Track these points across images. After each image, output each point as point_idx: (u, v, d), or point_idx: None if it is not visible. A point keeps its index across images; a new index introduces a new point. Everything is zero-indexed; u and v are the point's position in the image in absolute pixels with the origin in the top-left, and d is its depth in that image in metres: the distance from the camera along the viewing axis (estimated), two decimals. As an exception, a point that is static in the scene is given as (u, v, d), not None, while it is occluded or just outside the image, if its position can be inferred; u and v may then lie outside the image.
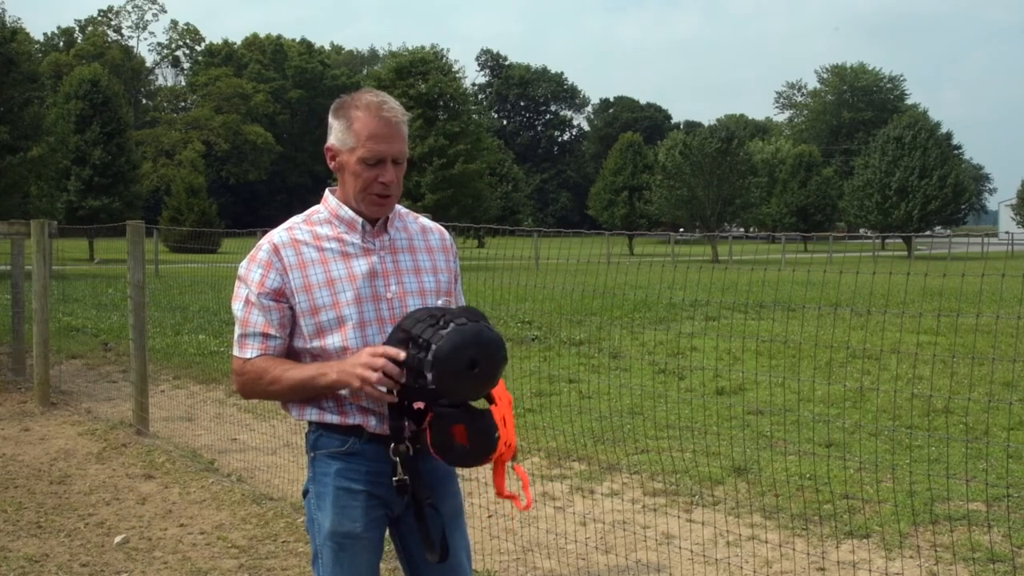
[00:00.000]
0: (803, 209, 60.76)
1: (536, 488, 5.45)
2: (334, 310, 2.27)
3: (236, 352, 2.37)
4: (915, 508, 4.90)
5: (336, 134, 2.31)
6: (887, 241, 55.31)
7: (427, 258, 2.41)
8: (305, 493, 2.42)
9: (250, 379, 2.36)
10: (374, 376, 2.09)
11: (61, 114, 35.83)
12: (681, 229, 48.18)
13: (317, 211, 2.39)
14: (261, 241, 2.35)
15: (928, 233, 50.79)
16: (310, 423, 2.39)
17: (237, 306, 2.36)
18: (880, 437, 6.49)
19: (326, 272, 2.28)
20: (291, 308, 2.30)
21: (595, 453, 6.04)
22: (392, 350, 2.10)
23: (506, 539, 4.63)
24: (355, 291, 2.28)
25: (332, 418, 2.32)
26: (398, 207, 2.42)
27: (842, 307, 11.82)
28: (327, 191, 2.42)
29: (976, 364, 8.88)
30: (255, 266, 2.32)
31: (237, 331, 2.37)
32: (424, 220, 2.53)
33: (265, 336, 2.32)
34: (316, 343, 2.29)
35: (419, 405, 2.19)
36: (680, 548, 4.49)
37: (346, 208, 2.34)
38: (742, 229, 54.58)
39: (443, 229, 2.54)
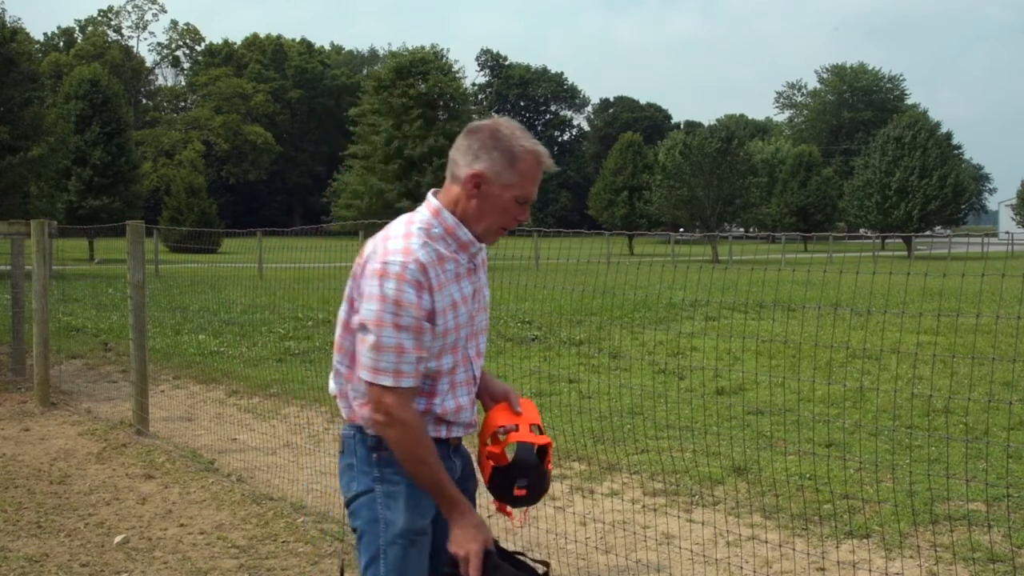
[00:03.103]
0: (803, 209, 60.76)
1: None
2: (455, 333, 2.34)
3: (389, 382, 2.25)
4: (915, 508, 4.90)
5: (491, 166, 2.31)
6: (887, 241, 55.31)
7: (485, 273, 2.52)
8: (355, 497, 2.40)
9: (414, 440, 2.29)
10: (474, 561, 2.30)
11: (61, 114, 35.81)
12: (681, 229, 48.17)
13: (431, 224, 2.34)
14: (399, 258, 2.24)
15: (928, 233, 50.80)
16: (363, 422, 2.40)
17: (386, 333, 2.23)
18: (880, 437, 6.49)
19: (451, 294, 2.31)
20: (432, 329, 2.30)
21: (595, 453, 6.04)
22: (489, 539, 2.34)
23: (506, 539, 4.63)
24: (467, 312, 2.37)
25: None
26: None
27: (842, 307, 11.82)
28: (437, 203, 2.37)
29: (976, 364, 8.88)
30: (407, 286, 2.22)
31: (387, 359, 2.25)
32: None
33: (419, 361, 2.28)
34: (434, 363, 2.33)
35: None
36: (680, 548, 4.49)
37: (465, 229, 2.34)
38: (742, 229, 54.55)
39: None
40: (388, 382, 2.24)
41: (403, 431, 2.27)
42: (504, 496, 2.42)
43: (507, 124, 2.35)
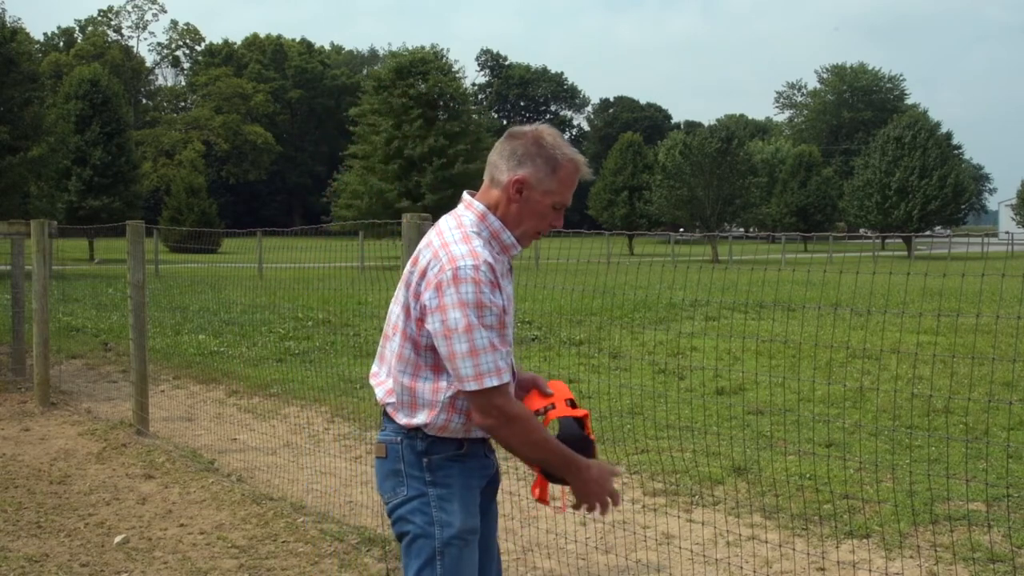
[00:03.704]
0: (803, 209, 60.77)
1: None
2: (509, 330, 2.43)
3: (492, 383, 2.26)
4: (915, 508, 4.90)
5: (535, 172, 2.38)
6: (887, 241, 55.32)
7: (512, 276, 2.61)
8: (405, 501, 2.42)
9: (532, 434, 2.34)
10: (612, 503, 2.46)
11: (61, 114, 35.82)
12: (681, 229, 48.18)
13: (478, 228, 2.39)
14: (469, 262, 2.28)
15: (928, 233, 50.81)
16: (413, 429, 2.42)
17: (477, 336, 2.25)
18: (880, 437, 6.49)
19: (504, 294, 2.39)
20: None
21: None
22: (618, 470, 2.52)
23: (506, 539, 4.63)
24: (512, 312, 2.47)
25: (456, 432, 2.44)
26: None
27: (842, 307, 11.82)
28: (481, 207, 2.43)
29: (976, 364, 8.88)
30: (484, 287, 2.27)
31: (486, 361, 2.26)
32: None
33: (508, 356, 2.36)
34: None
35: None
36: (680, 548, 4.49)
37: (508, 233, 2.42)
38: (742, 229, 54.56)
39: None
40: (495, 382, 2.26)
41: (521, 425, 2.32)
42: (552, 476, 2.44)
43: (549, 131, 2.44)
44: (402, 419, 2.43)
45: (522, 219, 2.41)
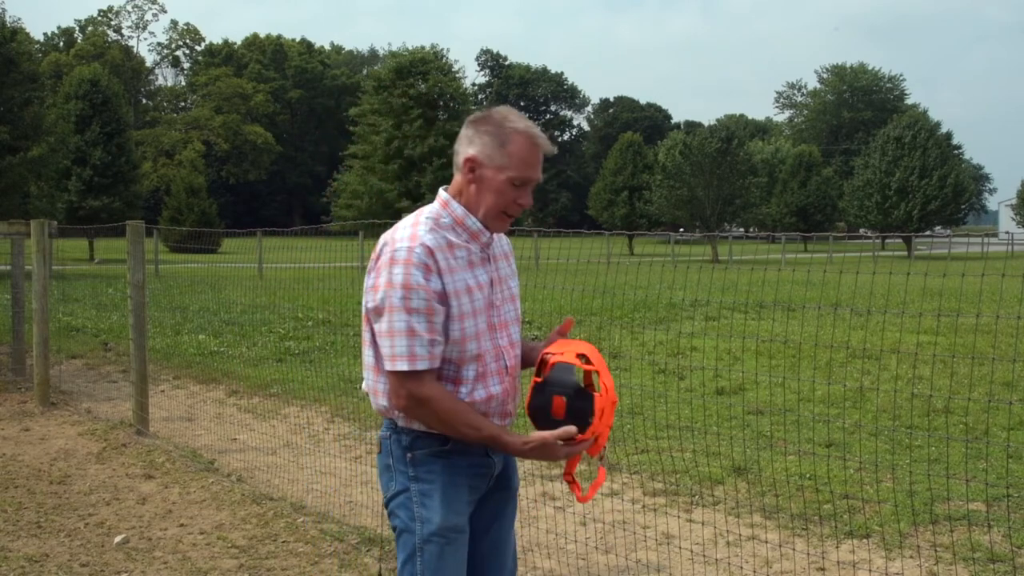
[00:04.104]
0: (803, 209, 60.76)
1: (536, 488, 5.46)
2: (472, 318, 2.35)
3: (404, 367, 2.27)
4: (915, 508, 4.90)
5: (483, 148, 2.36)
6: (887, 241, 55.31)
7: (507, 264, 2.55)
8: (394, 496, 2.43)
9: (440, 412, 2.31)
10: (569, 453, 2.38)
11: (61, 114, 35.78)
12: (681, 229, 48.16)
13: (440, 215, 2.39)
14: (405, 244, 2.29)
15: (928, 233, 50.79)
16: (398, 425, 2.42)
17: (397, 318, 2.26)
18: (880, 437, 6.49)
19: (464, 280, 2.34)
20: (447, 313, 2.31)
21: (595, 453, 6.03)
22: (570, 430, 2.30)
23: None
24: (483, 299, 2.39)
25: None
26: None
27: (842, 307, 11.82)
28: (446, 194, 2.43)
29: (976, 364, 8.88)
30: (414, 269, 2.26)
31: (400, 344, 2.27)
32: None
33: (432, 343, 2.29)
34: (456, 348, 2.34)
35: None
36: (680, 548, 4.49)
37: (473, 218, 2.38)
38: (742, 229, 54.54)
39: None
40: (404, 367, 2.27)
41: (431, 406, 2.30)
42: (542, 419, 2.33)
43: (501, 109, 2.43)
44: (375, 407, 2.46)
45: (480, 200, 2.37)
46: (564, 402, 2.30)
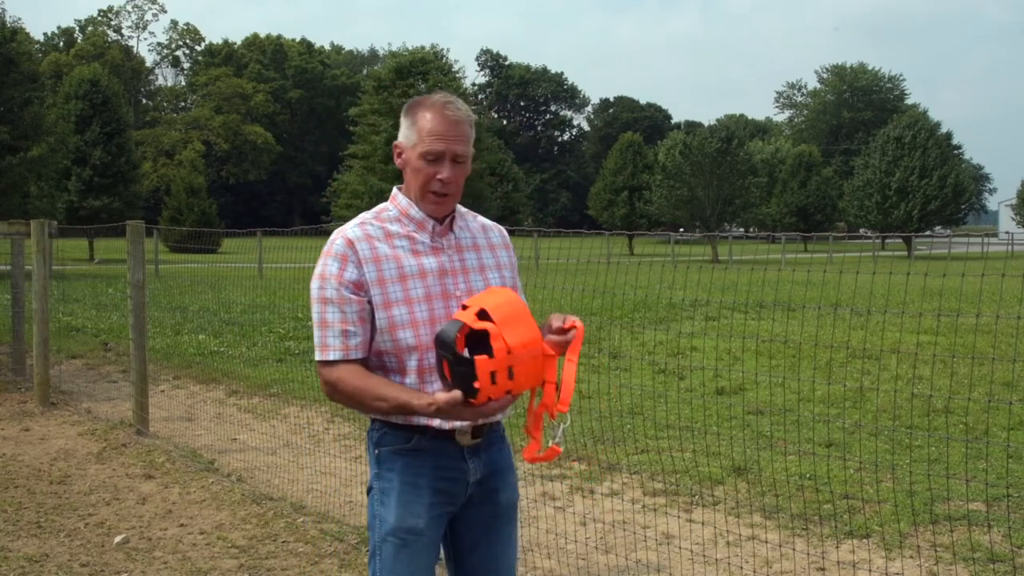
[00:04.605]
0: (803, 209, 60.77)
1: (536, 488, 5.45)
2: (406, 306, 2.30)
3: (318, 356, 2.31)
4: (915, 508, 4.90)
5: (403, 131, 2.37)
6: (887, 241, 55.31)
7: (490, 255, 2.48)
8: (369, 490, 2.43)
9: (348, 392, 2.29)
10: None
11: (61, 114, 35.78)
12: (681, 229, 48.17)
13: (386, 209, 2.41)
14: (333, 237, 2.34)
15: (928, 233, 50.79)
16: (374, 420, 2.40)
17: (315, 309, 2.31)
18: (880, 437, 6.49)
19: (399, 268, 2.31)
20: (369, 302, 2.29)
21: (595, 453, 6.04)
22: (455, 396, 2.16)
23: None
24: (426, 288, 2.32)
25: (397, 418, 2.34)
26: (459, 207, 2.47)
27: (842, 307, 11.82)
28: (396, 190, 2.44)
29: (976, 364, 8.88)
30: (331, 260, 2.30)
31: (316, 335, 2.31)
32: (482, 218, 2.57)
33: (345, 334, 2.28)
34: (388, 337, 2.29)
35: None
36: (680, 548, 4.49)
37: (416, 208, 2.37)
38: (742, 229, 54.56)
39: (500, 226, 2.59)
40: (318, 356, 2.30)
41: (339, 387, 2.29)
42: (443, 381, 2.22)
43: (423, 94, 2.41)
44: None
45: (410, 184, 2.37)
46: (447, 366, 2.19)
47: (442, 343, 2.17)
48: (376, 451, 2.39)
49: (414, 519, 2.33)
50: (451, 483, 2.37)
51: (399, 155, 2.38)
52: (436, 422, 2.31)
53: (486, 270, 2.44)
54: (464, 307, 2.25)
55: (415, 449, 2.34)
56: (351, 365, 2.28)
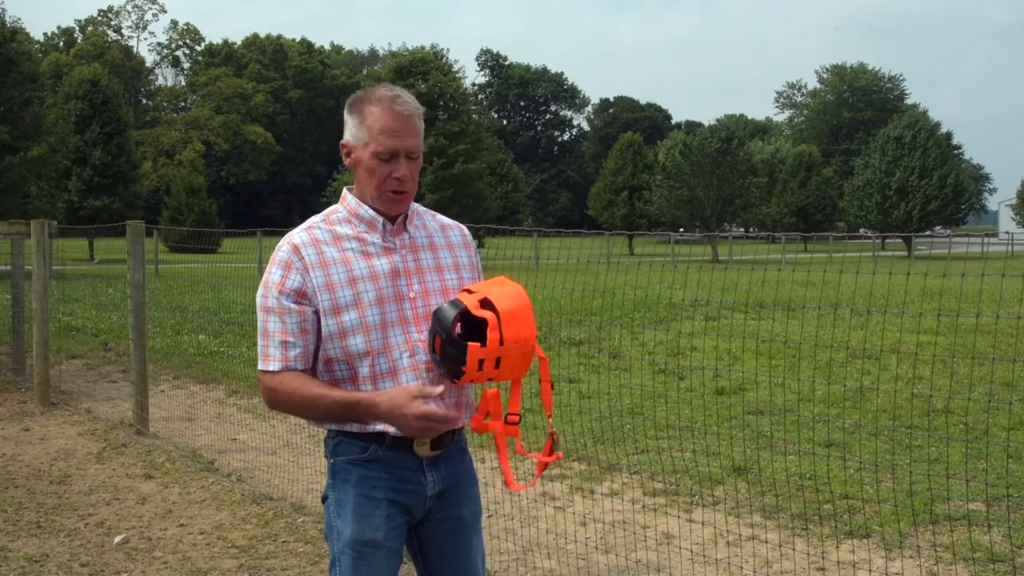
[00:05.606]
0: (803, 209, 60.77)
1: (536, 488, 5.45)
2: (356, 310, 2.21)
3: (260, 366, 2.26)
4: (915, 508, 4.90)
5: (350, 130, 2.27)
6: (887, 241, 55.31)
7: (448, 255, 2.38)
8: (324, 499, 2.37)
9: (282, 398, 2.24)
10: (435, 428, 2.17)
11: (61, 114, 35.78)
12: (681, 229, 48.18)
13: (336, 211, 2.33)
14: (280, 243, 2.28)
15: (928, 233, 50.79)
16: (329, 429, 2.33)
17: (259, 318, 2.26)
18: (880, 437, 6.49)
19: (348, 271, 2.22)
20: (315, 311, 2.22)
21: (595, 453, 6.04)
22: (430, 389, 2.14)
23: (506, 539, 4.63)
24: (377, 291, 2.23)
25: (353, 426, 2.26)
26: (415, 205, 2.37)
27: (842, 307, 11.82)
28: (345, 190, 2.36)
29: (976, 364, 8.88)
30: (275, 267, 2.23)
31: (259, 344, 2.26)
32: (442, 217, 2.48)
33: (284, 345, 2.21)
34: (338, 344, 2.22)
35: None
36: (680, 548, 4.49)
37: (366, 207, 2.28)
38: (742, 229, 54.56)
39: (462, 225, 2.50)
40: (260, 365, 2.26)
41: (277, 393, 2.23)
42: (430, 351, 2.22)
43: (373, 87, 2.30)
44: None
45: (362, 184, 2.28)
46: (439, 342, 2.17)
47: (439, 320, 2.17)
48: (332, 460, 2.33)
49: (372, 532, 2.26)
50: (408, 496, 2.29)
51: (348, 154, 2.28)
52: (392, 429, 2.22)
53: (443, 270, 2.34)
54: (469, 291, 2.23)
55: (371, 459, 2.26)
56: (292, 374, 2.23)
